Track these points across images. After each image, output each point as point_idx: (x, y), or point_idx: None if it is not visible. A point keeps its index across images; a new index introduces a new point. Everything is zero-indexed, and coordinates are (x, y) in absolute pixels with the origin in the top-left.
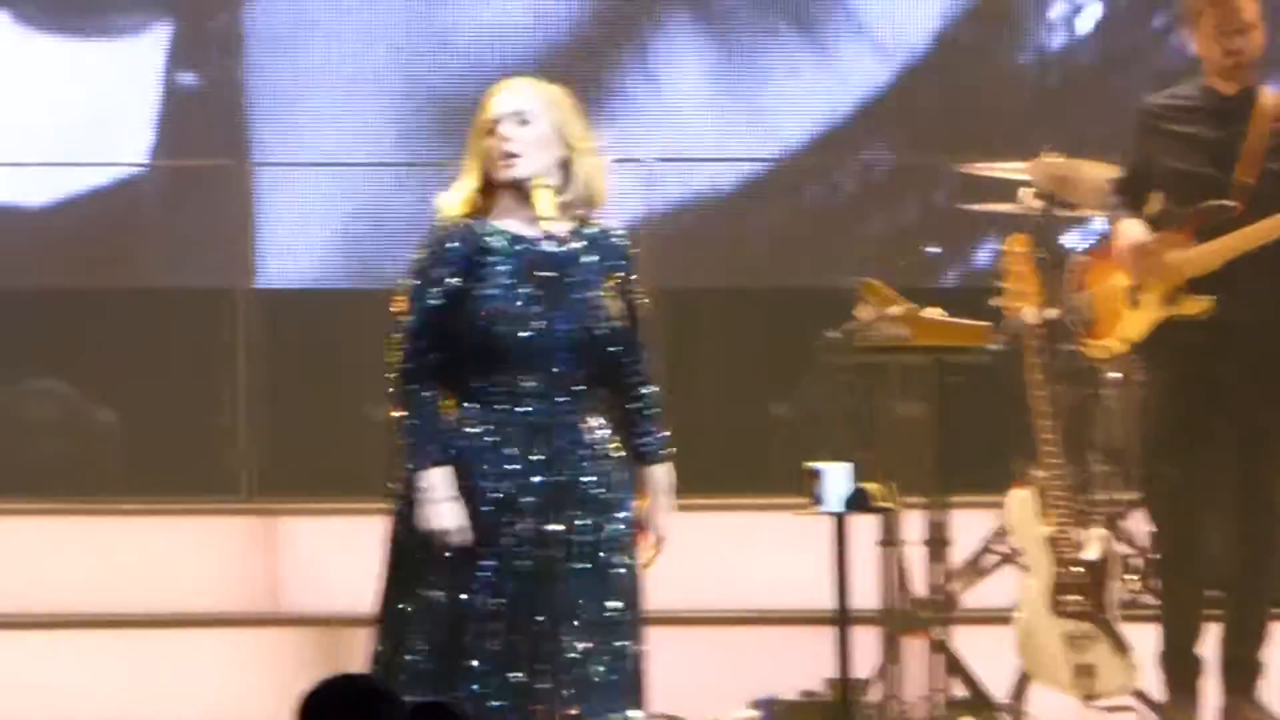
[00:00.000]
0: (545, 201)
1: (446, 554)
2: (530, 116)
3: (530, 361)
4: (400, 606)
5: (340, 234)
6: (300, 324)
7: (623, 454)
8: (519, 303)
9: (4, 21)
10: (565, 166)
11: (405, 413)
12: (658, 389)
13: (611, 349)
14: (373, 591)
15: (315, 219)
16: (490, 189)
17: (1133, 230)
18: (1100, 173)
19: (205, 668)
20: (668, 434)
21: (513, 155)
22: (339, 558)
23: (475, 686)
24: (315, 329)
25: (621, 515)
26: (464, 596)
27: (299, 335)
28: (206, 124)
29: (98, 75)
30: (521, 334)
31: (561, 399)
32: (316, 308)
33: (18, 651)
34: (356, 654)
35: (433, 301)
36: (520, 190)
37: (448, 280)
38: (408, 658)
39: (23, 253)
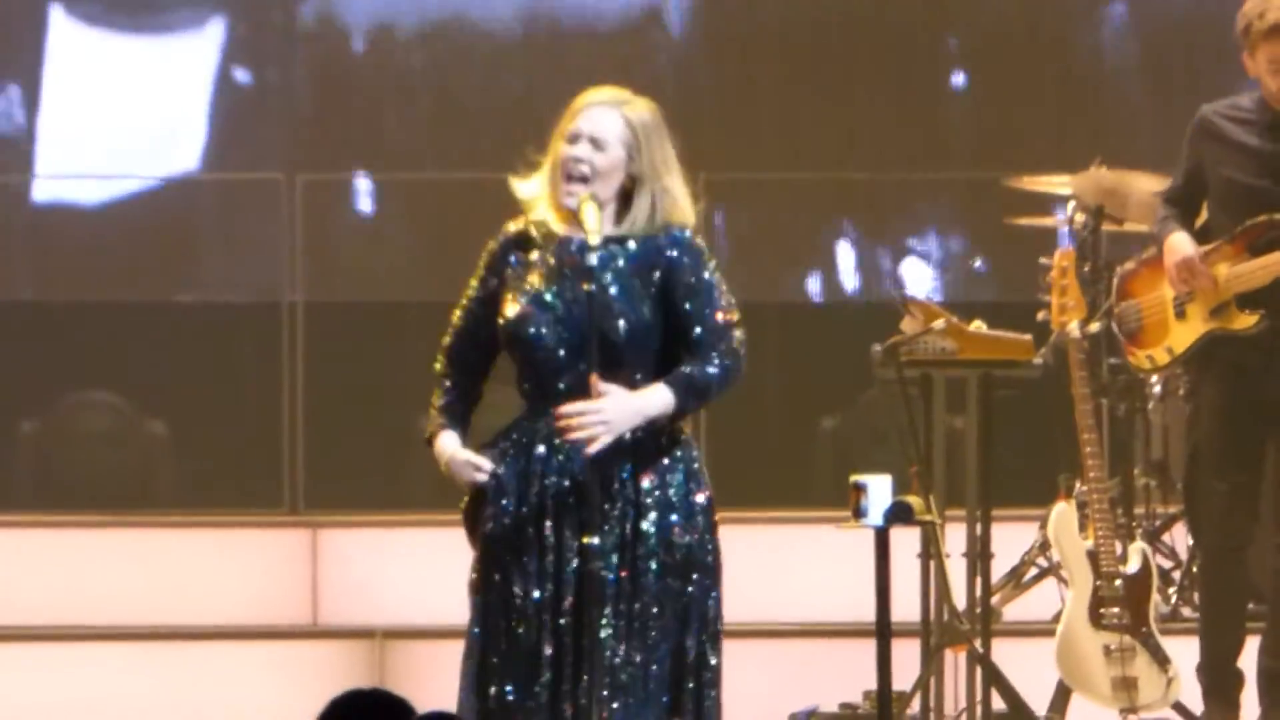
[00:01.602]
0: (591, 217)
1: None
2: (606, 144)
3: (560, 363)
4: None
5: (391, 247)
6: (349, 337)
7: (670, 456)
8: (548, 304)
9: (59, 17)
10: (628, 193)
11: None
12: (719, 374)
13: (634, 351)
14: (418, 604)
15: (366, 231)
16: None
17: (1181, 244)
18: (1149, 186)
19: (248, 681)
20: (697, 387)
21: (578, 179)
22: (383, 571)
23: (509, 689)
24: (362, 341)
25: (658, 517)
26: (493, 593)
27: (347, 348)
28: (258, 139)
29: (153, 79)
30: (547, 336)
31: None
32: (365, 320)
33: (64, 663)
34: (398, 666)
35: (473, 299)
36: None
37: (488, 281)
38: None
39: (76, 265)
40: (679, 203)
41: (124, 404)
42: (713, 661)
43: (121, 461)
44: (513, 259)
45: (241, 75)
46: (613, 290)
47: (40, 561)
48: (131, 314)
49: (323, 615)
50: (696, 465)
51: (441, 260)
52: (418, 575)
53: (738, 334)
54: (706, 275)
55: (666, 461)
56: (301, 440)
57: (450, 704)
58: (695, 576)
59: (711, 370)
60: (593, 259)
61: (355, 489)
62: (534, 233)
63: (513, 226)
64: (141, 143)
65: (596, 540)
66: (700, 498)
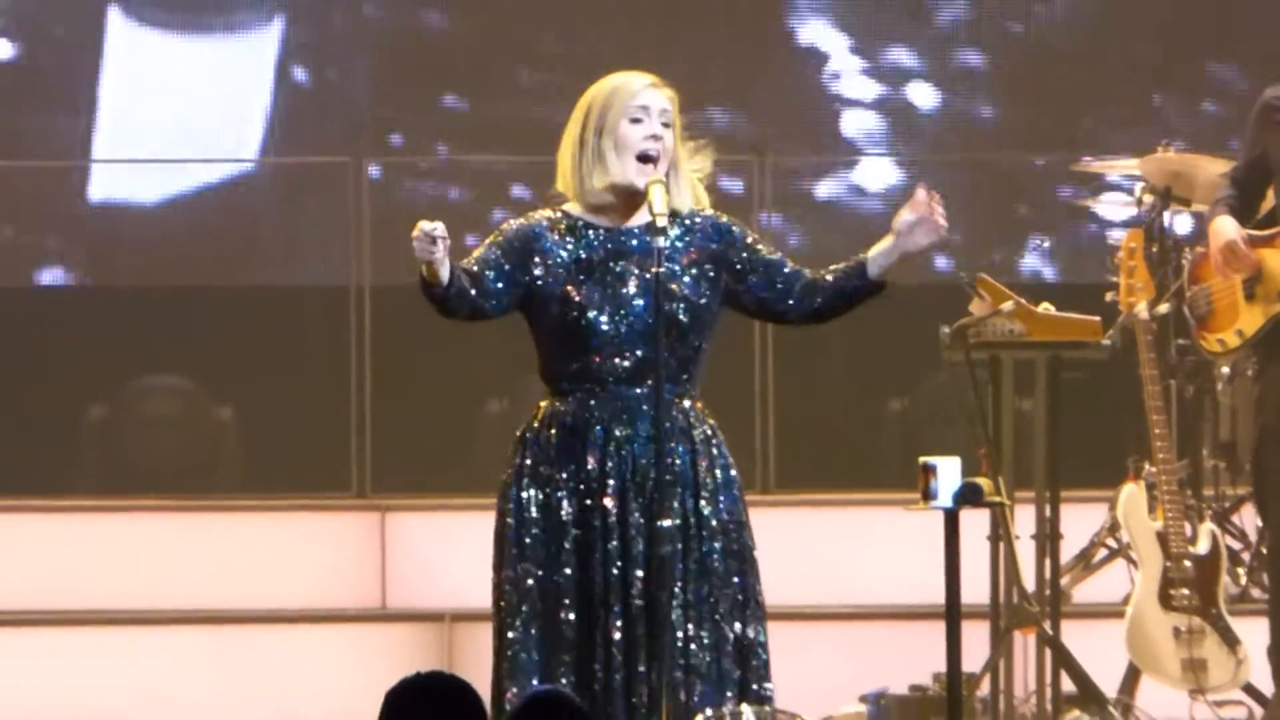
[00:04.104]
0: (659, 199)
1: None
2: (670, 121)
3: (619, 349)
4: (506, 592)
5: (457, 229)
6: (415, 320)
7: (718, 440)
8: (608, 293)
9: (115, 17)
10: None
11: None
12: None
13: (697, 329)
14: (486, 587)
15: (433, 214)
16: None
17: (1224, 227)
18: (1215, 168)
19: (317, 664)
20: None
21: (656, 159)
22: (451, 554)
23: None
24: (430, 325)
25: (715, 502)
26: (557, 578)
27: (414, 332)
28: (322, 120)
29: (213, 72)
30: (610, 323)
31: (647, 384)
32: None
33: (134, 648)
34: (466, 649)
35: (493, 254)
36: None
37: (518, 254)
38: (511, 647)
39: (142, 250)
40: (698, 186)
41: (192, 389)
42: (765, 653)
43: (189, 446)
44: (550, 245)
45: (302, 72)
46: (670, 273)
47: (109, 547)
48: (199, 299)
49: (391, 598)
50: (724, 443)
51: None
52: (486, 558)
53: None
54: (753, 234)
55: (714, 444)
56: (370, 424)
57: None
58: (747, 560)
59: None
60: (661, 241)
61: (423, 472)
62: (569, 223)
63: (546, 213)
64: (206, 130)
65: (667, 523)
66: (737, 481)
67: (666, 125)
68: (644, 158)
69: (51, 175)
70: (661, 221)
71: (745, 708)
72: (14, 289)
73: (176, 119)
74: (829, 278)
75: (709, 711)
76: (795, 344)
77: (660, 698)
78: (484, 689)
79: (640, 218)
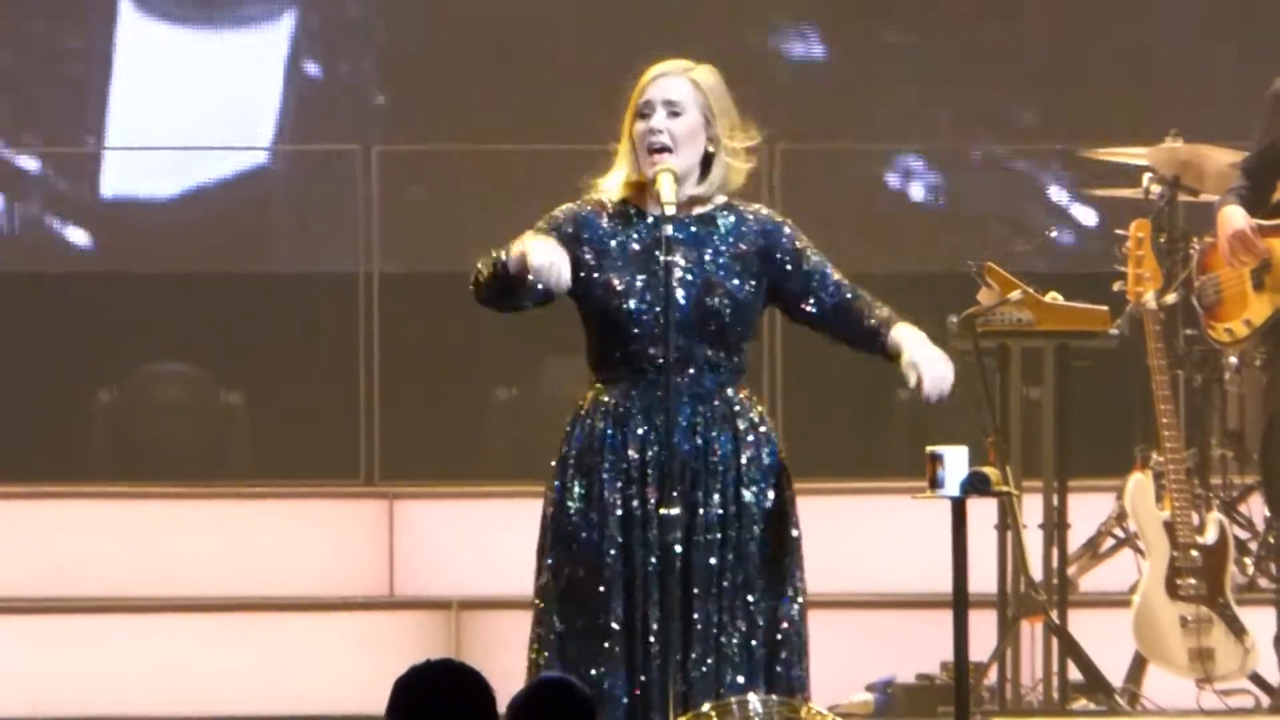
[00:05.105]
0: (668, 187)
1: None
2: (683, 107)
3: (653, 336)
4: (547, 579)
5: (466, 217)
6: (424, 308)
7: (765, 427)
8: (648, 281)
9: (128, 11)
10: (707, 159)
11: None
12: (857, 290)
13: (738, 325)
14: (494, 575)
15: (441, 202)
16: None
17: (1233, 217)
18: (1224, 158)
19: (324, 651)
20: (889, 311)
21: (663, 150)
22: (459, 542)
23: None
24: (439, 313)
25: (757, 488)
26: (600, 567)
27: (422, 319)
28: (332, 111)
29: (225, 65)
30: (649, 311)
31: (689, 373)
32: (440, 291)
33: (141, 634)
34: (474, 637)
35: (546, 232)
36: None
37: (570, 237)
38: (553, 636)
39: (153, 239)
40: (736, 167)
41: (201, 375)
42: (803, 633)
43: (198, 432)
44: (599, 231)
45: (313, 65)
46: (715, 266)
47: (117, 533)
48: (208, 285)
49: (399, 586)
50: (772, 429)
51: (518, 230)
52: (493, 546)
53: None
54: (803, 239)
55: (759, 431)
56: (378, 411)
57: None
58: (786, 543)
59: (851, 296)
60: (669, 229)
61: (431, 459)
62: (619, 210)
63: (597, 199)
64: (217, 122)
65: (675, 510)
66: (784, 467)
67: (675, 114)
68: (650, 151)
69: (64, 163)
70: (670, 210)
71: (751, 696)
72: (26, 274)
73: (188, 111)
74: (862, 319)
75: (731, 700)
76: (802, 332)
77: (700, 687)
78: (492, 676)
79: (687, 208)
